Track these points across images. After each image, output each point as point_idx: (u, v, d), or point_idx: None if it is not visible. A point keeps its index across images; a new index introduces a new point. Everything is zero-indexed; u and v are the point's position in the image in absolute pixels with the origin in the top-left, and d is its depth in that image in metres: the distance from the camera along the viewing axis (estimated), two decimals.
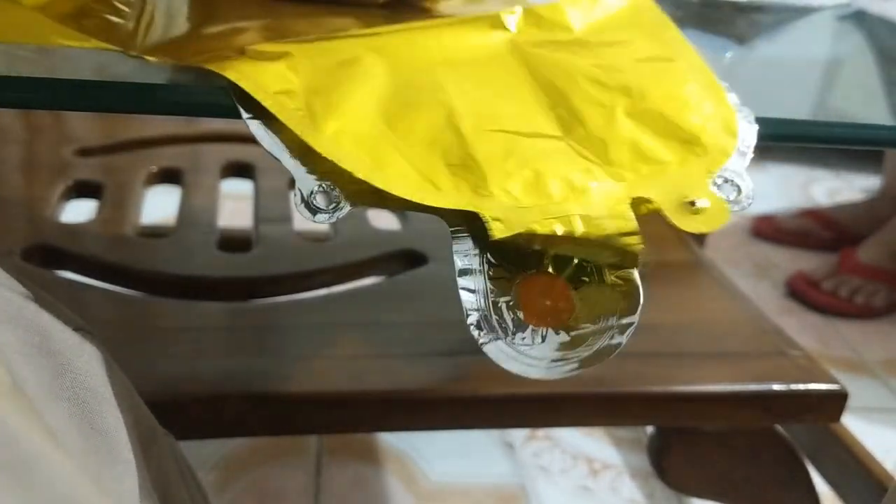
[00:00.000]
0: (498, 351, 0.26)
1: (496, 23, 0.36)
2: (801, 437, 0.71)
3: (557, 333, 0.26)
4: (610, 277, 0.27)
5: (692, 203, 0.28)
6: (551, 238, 0.27)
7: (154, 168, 0.82)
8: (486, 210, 0.27)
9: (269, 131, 0.27)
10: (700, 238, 0.98)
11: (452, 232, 0.27)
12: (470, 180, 0.28)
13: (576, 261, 0.27)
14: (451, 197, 0.27)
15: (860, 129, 0.37)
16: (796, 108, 0.41)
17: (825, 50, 0.55)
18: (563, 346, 0.26)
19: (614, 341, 0.26)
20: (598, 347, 0.26)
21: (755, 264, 1.38)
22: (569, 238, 0.27)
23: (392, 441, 0.90)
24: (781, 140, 0.36)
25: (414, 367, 0.57)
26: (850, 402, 0.60)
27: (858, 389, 1.03)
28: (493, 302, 0.26)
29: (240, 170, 0.84)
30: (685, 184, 0.29)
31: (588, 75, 0.33)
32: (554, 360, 0.26)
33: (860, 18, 0.59)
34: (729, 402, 0.58)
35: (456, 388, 0.56)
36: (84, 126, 0.91)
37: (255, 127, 0.28)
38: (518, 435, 0.93)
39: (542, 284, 0.27)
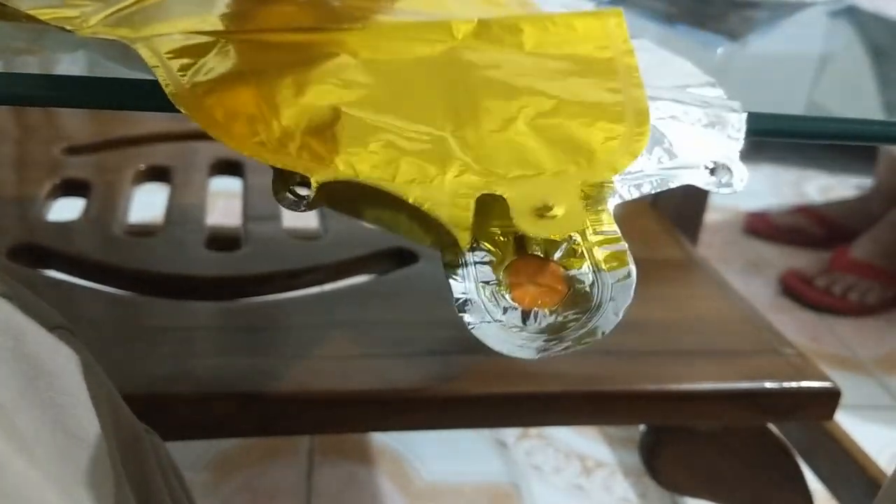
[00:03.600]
0: (487, 333, 0.25)
1: (445, 29, 0.35)
2: (794, 434, 0.71)
3: (548, 315, 0.26)
4: (603, 260, 0.27)
5: (547, 208, 0.26)
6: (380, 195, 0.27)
7: (142, 166, 0.81)
8: (300, 169, 0.27)
9: None
10: (692, 235, 0.98)
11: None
12: (318, 149, 0.28)
13: (569, 242, 0.27)
14: (282, 158, 0.27)
15: (852, 124, 0.37)
16: (788, 103, 0.41)
17: (817, 45, 0.55)
18: (555, 327, 0.26)
19: (608, 322, 0.26)
20: (590, 327, 0.25)
21: (748, 261, 1.38)
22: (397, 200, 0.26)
23: (384, 440, 0.90)
24: (774, 135, 0.36)
25: (404, 367, 0.56)
26: (843, 400, 0.60)
27: (851, 387, 1.03)
28: (481, 284, 0.26)
29: (229, 167, 0.83)
30: (549, 190, 0.27)
31: (507, 84, 0.32)
32: (545, 342, 0.25)
33: (852, 14, 0.59)
34: (721, 401, 0.58)
35: (447, 388, 0.55)
36: (72, 124, 0.90)
37: None
38: (511, 433, 0.93)
39: (534, 267, 0.26)
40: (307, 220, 0.77)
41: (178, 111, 0.28)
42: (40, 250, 0.66)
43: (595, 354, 0.58)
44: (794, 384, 0.58)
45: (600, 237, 0.27)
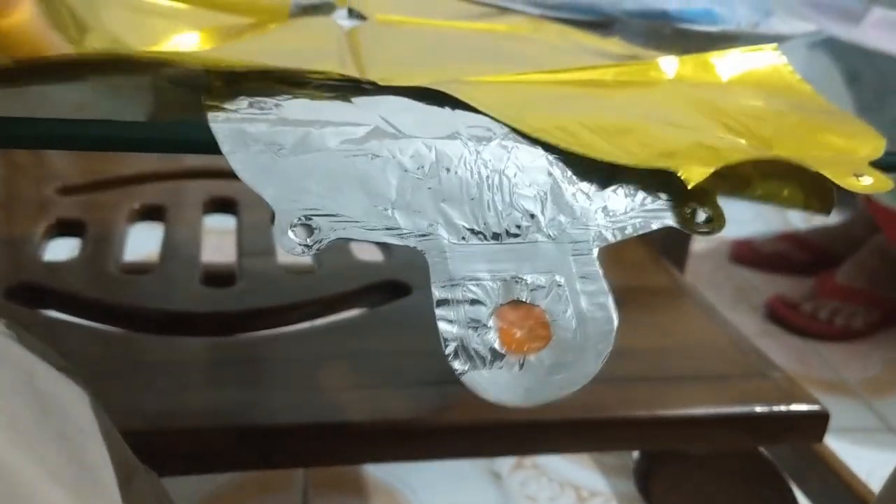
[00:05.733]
0: (476, 380, 0.26)
1: (655, 68, 0.40)
2: (785, 457, 0.72)
3: (535, 361, 0.27)
4: (586, 308, 0.28)
5: (859, 175, 0.30)
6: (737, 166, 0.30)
7: (136, 205, 0.82)
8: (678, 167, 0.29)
9: (249, 163, 0.28)
10: (680, 263, 0.99)
11: (431, 262, 0.27)
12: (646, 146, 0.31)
13: (554, 288, 0.28)
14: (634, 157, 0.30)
15: None
16: None
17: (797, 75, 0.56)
18: (541, 373, 0.26)
19: (590, 367, 0.27)
20: (572, 374, 0.26)
21: (735, 288, 1.39)
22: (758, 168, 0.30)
23: (379, 473, 0.90)
24: None
25: (399, 398, 0.57)
26: (832, 423, 0.60)
27: (839, 410, 1.03)
28: (471, 331, 0.27)
29: (222, 205, 0.84)
30: (848, 163, 0.31)
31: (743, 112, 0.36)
32: (532, 388, 0.26)
33: (831, 46, 0.61)
34: (712, 425, 0.59)
35: (441, 418, 0.56)
36: (65, 164, 0.91)
37: (234, 160, 0.28)
38: (505, 464, 0.93)
39: (520, 313, 0.27)
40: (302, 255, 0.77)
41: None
42: (37, 290, 0.67)
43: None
44: (783, 408, 0.59)
45: (585, 285, 0.28)
